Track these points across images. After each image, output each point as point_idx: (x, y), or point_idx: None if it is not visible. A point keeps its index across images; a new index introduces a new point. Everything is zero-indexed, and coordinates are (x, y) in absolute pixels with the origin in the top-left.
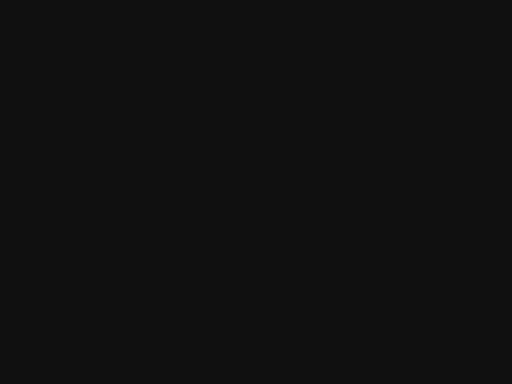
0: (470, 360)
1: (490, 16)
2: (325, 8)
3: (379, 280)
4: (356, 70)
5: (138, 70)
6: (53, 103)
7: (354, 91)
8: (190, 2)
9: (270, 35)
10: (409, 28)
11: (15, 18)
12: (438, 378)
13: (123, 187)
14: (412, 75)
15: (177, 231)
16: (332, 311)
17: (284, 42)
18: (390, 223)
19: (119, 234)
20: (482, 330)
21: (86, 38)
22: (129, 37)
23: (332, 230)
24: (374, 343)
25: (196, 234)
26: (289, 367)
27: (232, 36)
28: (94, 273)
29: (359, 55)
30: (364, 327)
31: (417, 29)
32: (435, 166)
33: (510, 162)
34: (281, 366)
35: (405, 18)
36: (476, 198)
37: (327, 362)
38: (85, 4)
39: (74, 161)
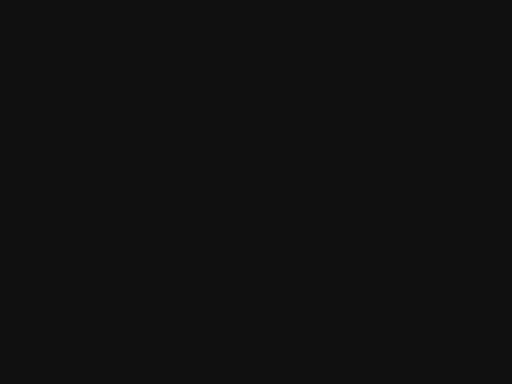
0: (470, 360)
1: (490, 16)
2: (325, 8)
3: (379, 280)
4: (356, 70)
5: (138, 70)
6: (53, 103)
7: (354, 91)
8: (190, 2)
9: (270, 35)
10: (409, 28)
11: (15, 18)
12: (438, 378)
13: (123, 187)
14: (412, 75)
15: (177, 231)
16: (332, 311)
17: (284, 42)
18: (390, 223)
19: (119, 234)
20: (482, 330)
21: (86, 38)
22: (129, 37)
23: (332, 230)
24: (374, 343)
25: (196, 234)
26: (289, 367)
27: (232, 36)
28: (94, 273)
29: (359, 55)
30: (364, 327)
31: (417, 29)
32: (435, 166)
33: (510, 161)
34: (281, 366)
35: (405, 18)
36: (476, 198)
37: (327, 362)
38: (85, 4)
39: (74, 161)
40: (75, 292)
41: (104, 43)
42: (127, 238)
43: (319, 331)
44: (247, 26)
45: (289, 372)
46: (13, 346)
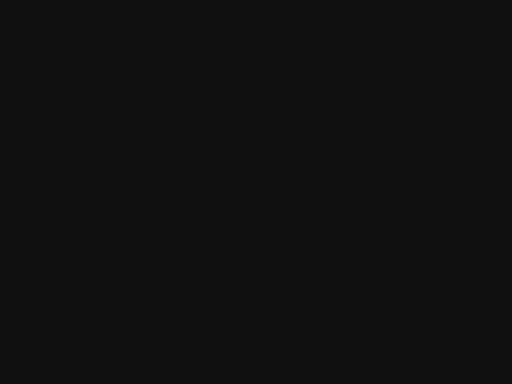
0: (470, 360)
1: (490, 16)
2: (325, 8)
3: (379, 280)
4: (356, 70)
5: (138, 70)
6: (53, 103)
7: (354, 91)
8: (190, 2)
9: (270, 35)
10: (409, 28)
11: (15, 18)
12: (438, 378)
13: (123, 187)
14: (412, 75)
15: (177, 231)
16: (332, 311)
17: (284, 42)
18: (390, 223)
19: (119, 234)
20: (482, 330)
21: (85, 38)
22: (129, 37)
23: (332, 230)
24: (374, 343)
25: (196, 234)
26: (289, 367)
27: (232, 36)
28: (94, 273)
29: (359, 55)
30: (364, 327)
31: (417, 29)
32: (435, 166)
33: (510, 161)
34: (281, 366)
35: (405, 18)
36: (476, 198)
37: (327, 362)
38: (85, 4)
39: (74, 161)
40: (75, 292)
41: (104, 43)
42: (127, 238)
43: (319, 331)
44: (247, 26)
45: (289, 372)
46: (13, 346)
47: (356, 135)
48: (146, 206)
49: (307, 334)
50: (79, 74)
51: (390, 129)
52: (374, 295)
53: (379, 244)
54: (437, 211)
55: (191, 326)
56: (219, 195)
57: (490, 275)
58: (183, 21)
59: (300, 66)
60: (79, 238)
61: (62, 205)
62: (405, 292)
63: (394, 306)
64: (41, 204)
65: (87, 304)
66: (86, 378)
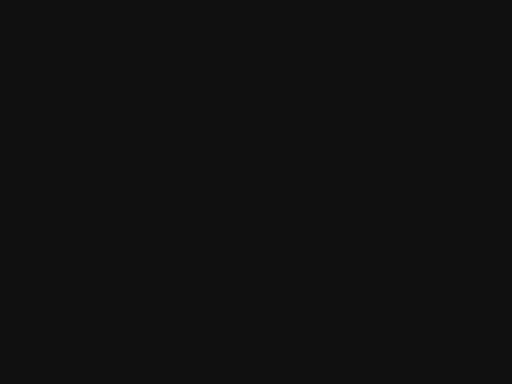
0: (470, 360)
1: (490, 16)
2: (325, 8)
3: (379, 280)
4: (356, 70)
5: (138, 70)
6: (53, 103)
7: (354, 91)
8: (190, 2)
9: (270, 35)
10: (409, 28)
11: (15, 18)
12: (438, 378)
13: (123, 187)
14: (412, 75)
15: (177, 231)
16: (332, 311)
17: (284, 42)
18: (390, 223)
19: (119, 234)
20: (482, 330)
21: (85, 38)
22: (129, 37)
23: (332, 230)
24: (374, 343)
25: (196, 234)
26: (289, 367)
27: (232, 36)
28: (94, 273)
29: (359, 55)
30: (364, 327)
31: (417, 29)
32: (435, 166)
33: (510, 161)
34: (281, 366)
35: (405, 18)
36: (476, 198)
37: (327, 362)
38: (85, 4)
39: (74, 161)
40: (75, 292)
41: (104, 43)
42: (127, 238)
43: (319, 331)
44: (247, 26)
45: (289, 372)
46: (13, 346)
47: (356, 135)
48: (146, 206)
49: (307, 334)
50: (79, 74)
51: (390, 129)
52: (374, 295)
53: (379, 244)
54: (437, 211)
55: (191, 325)
56: (219, 195)
57: (490, 275)
58: (183, 21)
59: (300, 66)
60: (79, 237)
61: (61, 205)
62: (405, 292)
63: (394, 306)
64: (41, 204)
65: (87, 304)
66: (86, 378)
